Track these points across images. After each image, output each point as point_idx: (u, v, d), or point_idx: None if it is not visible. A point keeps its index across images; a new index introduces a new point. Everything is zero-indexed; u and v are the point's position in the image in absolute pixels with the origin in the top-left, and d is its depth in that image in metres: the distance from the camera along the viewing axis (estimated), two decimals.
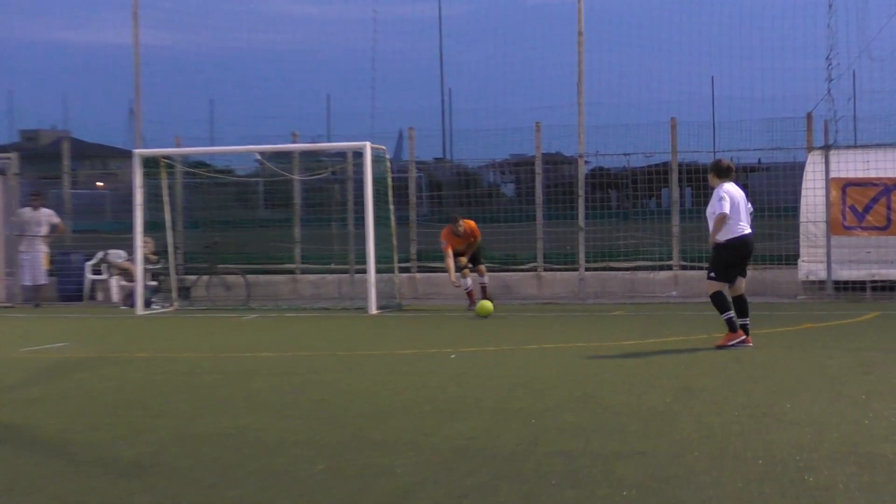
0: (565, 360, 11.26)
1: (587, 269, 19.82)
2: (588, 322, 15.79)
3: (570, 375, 10.02)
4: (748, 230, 11.85)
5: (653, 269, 19.69)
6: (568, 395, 8.85)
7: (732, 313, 11.70)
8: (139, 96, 22.54)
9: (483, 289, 18.03)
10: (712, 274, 11.82)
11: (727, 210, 11.63)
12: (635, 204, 22.61)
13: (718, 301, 11.71)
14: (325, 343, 13.88)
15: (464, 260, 17.87)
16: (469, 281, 17.91)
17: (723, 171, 11.95)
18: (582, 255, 19.83)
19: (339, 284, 20.70)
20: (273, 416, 8.30)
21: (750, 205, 12.04)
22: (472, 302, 17.46)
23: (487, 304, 16.53)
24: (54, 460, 6.92)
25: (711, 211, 11.82)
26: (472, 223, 18.07)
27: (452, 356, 11.78)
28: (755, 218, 12.46)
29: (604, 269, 19.91)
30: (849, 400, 8.36)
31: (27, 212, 20.98)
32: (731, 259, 11.77)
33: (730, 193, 11.73)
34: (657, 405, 8.26)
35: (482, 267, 18.22)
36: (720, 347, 11.62)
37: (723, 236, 11.74)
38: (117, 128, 65.52)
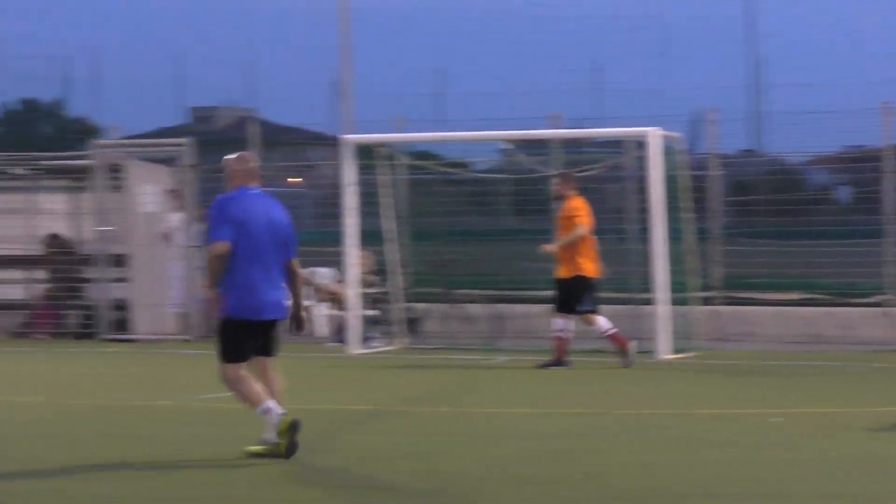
0: None
1: None
2: None
3: None
4: None
5: None
6: None
7: None
8: (347, 68, 23.52)
9: None
10: None
11: None
12: None
13: None
14: (595, 397, 14.39)
15: None
16: None
17: None
18: None
19: (617, 319, 20.94)
20: (518, 493, 8.84)
21: None
22: None
23: None
24: None
25: None
26: None
27: (774, 420, 12.05)
28: None
29: None
30: None
31: (176, 217, 22.68)
32: None
33: None
34: None
35: None
36: None
37: None
38: (315, 105, 68.52)
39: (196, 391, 15.01)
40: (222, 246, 10.75)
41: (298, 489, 9.54)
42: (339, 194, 20.41)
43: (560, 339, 17.58)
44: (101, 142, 25.68)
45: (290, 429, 10.48)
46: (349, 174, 19.88)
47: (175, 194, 23.07)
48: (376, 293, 21.26)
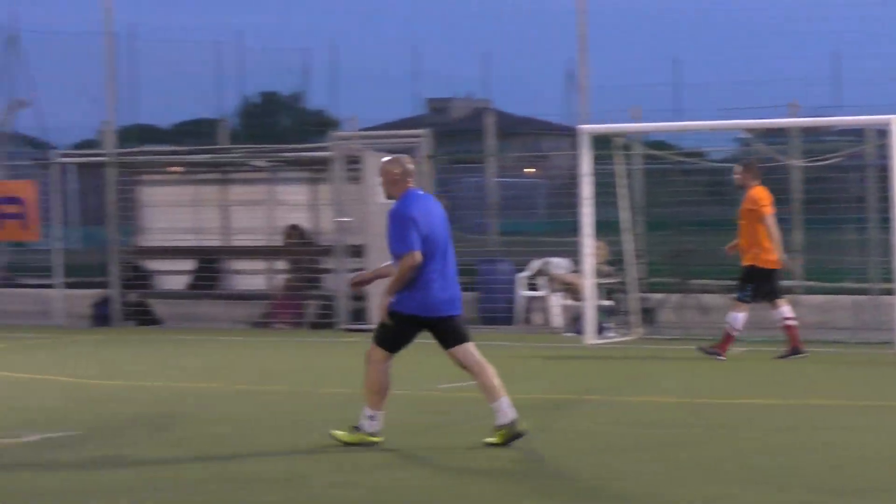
0: None
1: None
2: None
3: None
4: None
5: None
6: None
7: None
8: (584, 59, 23.83)
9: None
10: None
11: None
12: None
13: None
14: (835, 387, 14.29)
15: None
16: None
17: None
18: None
19: (857, 310, 20.93)
20: (767, 484, 8.88)
21: None
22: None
23: None
24: None
25: None
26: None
27: None
28: None
29: None
30: None
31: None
32: None
33: None
34: None
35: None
36: None
37: None
38: (550, 97, 69.23)
39: (435, 381, 15.41)
40: (419, 256, 11.12)
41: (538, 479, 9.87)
42: (574, 184, 20.65)
43: (789, 327, 17.70)
44: (340, 133, 26.47)
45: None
46: (586, 164, 20.09)
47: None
48: (611, 283, 21.46)
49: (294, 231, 24.13)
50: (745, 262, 17.74)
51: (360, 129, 26.86)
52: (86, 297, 26.24)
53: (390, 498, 9.45)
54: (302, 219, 24.29)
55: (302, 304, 24.19)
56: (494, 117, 26.66)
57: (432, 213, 11.46)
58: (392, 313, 11.16)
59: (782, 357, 17.43)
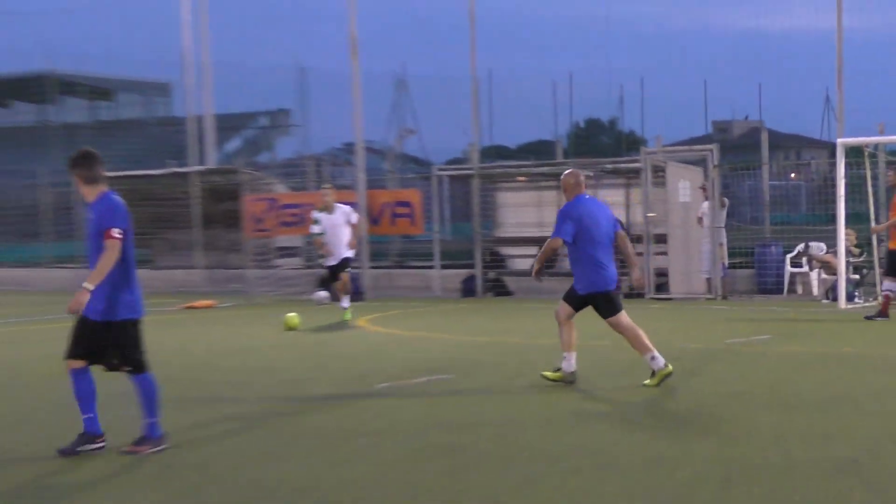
0: None
1: None
2: None
3: None
4: None
5: None
6: None
7: None
8: (840, 84, 25.68)
9: None
10: None
11: None
12: None
13: None
14: None
15: None
16: None
17: None
18: None
19: None
20: None
21: None
22: None
23: (292, 318, 19.85)
24: (771, 454, 8.72)
25: None
26: None
27: None
28: None
29: None
30: None
31: (705, 205, 25.47)
32: None
33: None
34: None
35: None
36: None
37: None
38: (811, 117, 71.75)
39: (721, 337, 17.03)
40: (558, 241, 12.32)
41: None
42: (829, 185, 22.81)
43: (887, 297, 19.32)
44: (647, 149, 28.09)
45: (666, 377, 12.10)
46: (841, 169, 21.42)
47: (703, 188, 25.51)
48: (859, 261, 23.57)
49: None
50: (892, 247, 19.26)
51: (663, 146, 28.55)
52: (457, 276, 28.92)
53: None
54: (619, 214, 24.65)
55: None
56: (767, 134, 29.32)
57: (594, 213, 12.40)
58: (607, 292, 12.23)
59: (870, 318, 19.21)
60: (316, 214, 21.88)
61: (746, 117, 71.50)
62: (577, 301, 12.46)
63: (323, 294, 25.35)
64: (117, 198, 9.36)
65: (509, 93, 61.10)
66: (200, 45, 34.17)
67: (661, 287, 25.78)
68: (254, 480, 8.48)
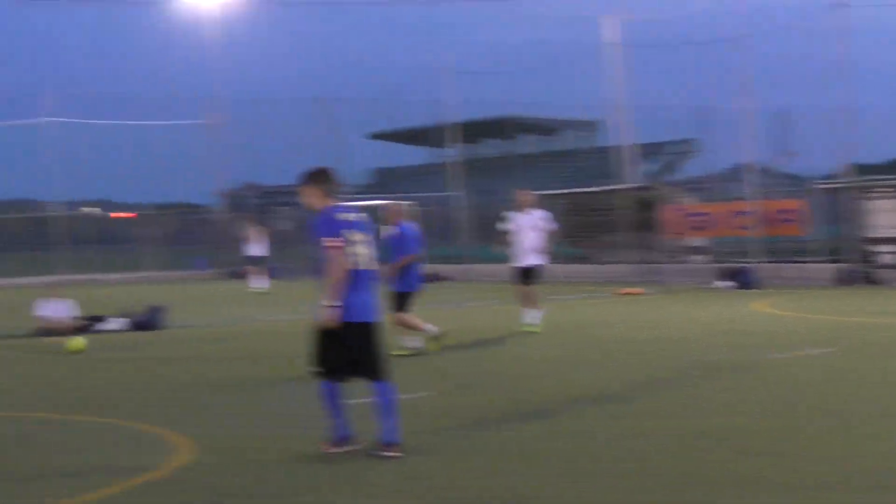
0: None
1: None
2: None
3: None
4: None
5: None
6: None
7: None
8: None
9: None
10: None
11: None
12: None
13: None
14: None
15: None
16: None
17: None
18: None
19: None
20: None
21: None
22: None
23: (77, 341, 16.16)
24: None
25: None
26: None
27: None
28: None
29: None
30: None
31: None
32: None
33: None
34: None
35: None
36: None
37: None
38: None
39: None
40: None
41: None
42: None
43: None
44: None
45: None
46: None
47: None
48: None
49: None
50: None
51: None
52: (831, 269, 28.01)
53: None
54: None
55: None
56: None
57: None
58: None
59: None
60: (509, 213, 18.30)
61: None
62: None
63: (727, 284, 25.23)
64: (339, 210, 8.12)
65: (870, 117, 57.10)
66: (622, 90, 36.99)
67: None
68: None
